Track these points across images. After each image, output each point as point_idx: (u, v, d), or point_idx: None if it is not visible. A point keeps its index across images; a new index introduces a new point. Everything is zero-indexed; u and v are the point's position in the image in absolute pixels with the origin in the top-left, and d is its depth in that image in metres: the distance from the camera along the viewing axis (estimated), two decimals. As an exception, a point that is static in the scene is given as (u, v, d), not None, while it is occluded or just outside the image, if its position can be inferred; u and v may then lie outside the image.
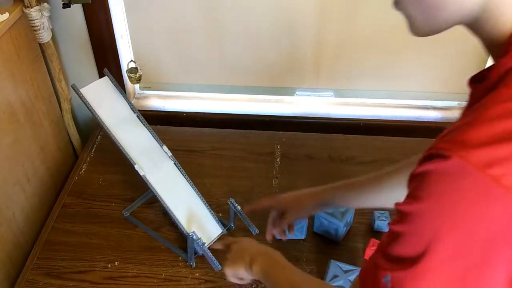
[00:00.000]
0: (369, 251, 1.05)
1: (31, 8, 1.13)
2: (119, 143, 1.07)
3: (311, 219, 1.10)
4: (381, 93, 1.45)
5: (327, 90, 1.47)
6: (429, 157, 0.47)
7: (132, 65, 1.38)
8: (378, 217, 1.10)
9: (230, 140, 1.39)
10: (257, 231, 1.08)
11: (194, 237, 0.99)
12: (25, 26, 1.17)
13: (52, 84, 1.34)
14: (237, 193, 1.19)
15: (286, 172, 1.28)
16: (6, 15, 1.08)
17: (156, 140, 1.13)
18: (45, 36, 1.20)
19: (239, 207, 1.06)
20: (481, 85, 0.53)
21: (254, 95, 1.49)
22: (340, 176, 1.24)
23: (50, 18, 1.20)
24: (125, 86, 1.43)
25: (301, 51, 1.37)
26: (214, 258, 1.00)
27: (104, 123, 1.07)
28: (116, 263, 1.06)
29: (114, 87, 1.13)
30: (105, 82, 1.13)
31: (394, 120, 1.44)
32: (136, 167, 1.05)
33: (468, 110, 0.51)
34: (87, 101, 1.07)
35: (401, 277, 0.48)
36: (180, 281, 1.02)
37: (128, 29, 1.37)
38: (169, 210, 1.06)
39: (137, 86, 1.52)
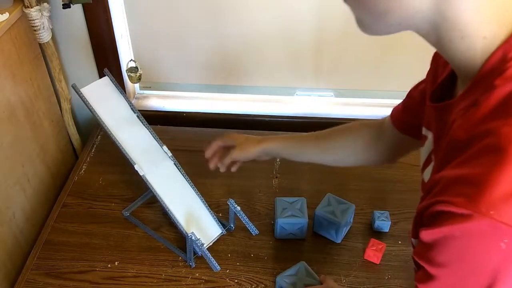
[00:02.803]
0: (369, 251, 1.05)
1: (31, 8, 1.13)
2: (119, 143, 1.07)
3: (311, 219, 1.10)
4: (381, 93, 1.45)
5: (327, 90, 1.47)
6: (442, 215, 0.45)
7: (132, 64, 1.38)
8: (378, 217, 1.10)
9: (230, 140, 1.39)
10: (256, 231, 1.08)
11: (193, 237, 0.98)
12: (25, 26, 1.17)
13: (52, 84, 1.34)
14: (237, 193, 1.19)
15: (286, 172, 1.28)
16: (6, 15, 1.08)
17: (156, 140, 1.13)
18: (45, 36, 1.20)
19: (238, 208, 1.06)
20: (462, 105, 0.50)
21: (254, 95, 1.49)
22: (340, 176, 1.25)
23: (50, 18, 1.20)
24: (125, 86, 1.43)
25: (301, 51, 1.37)
26: (213, 259, 1.00)
27: (104, 123, 1.07)
28: (116, 263, 1.06)
29: (115, 87, 1.13)
30: (106, 82, 1.13)
31: (394, 120, 1.44)
32: (136, 167, 1.05)
33: (456, 147, 0.48)
34: (87, 101, 1.07)
35: None
36: (180, 281, 1.02)
37: (128, 29, 1.37)
38: (169, 210, 1.06)
39: (137, 86, 1.52)
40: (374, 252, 1.05)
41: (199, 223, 1.09)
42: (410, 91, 0.80)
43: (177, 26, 1.35)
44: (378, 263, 1.05)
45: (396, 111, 0.85)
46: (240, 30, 1.33)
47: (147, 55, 1.42)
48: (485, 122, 0.45)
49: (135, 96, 1.53)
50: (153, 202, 1.16)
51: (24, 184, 1.20)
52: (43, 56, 1.28)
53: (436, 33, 0.50)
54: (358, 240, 1.10)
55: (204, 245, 1.02)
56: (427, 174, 0.63)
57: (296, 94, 1.48)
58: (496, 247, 0.42)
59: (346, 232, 1.11)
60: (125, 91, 1.43)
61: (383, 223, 1.10)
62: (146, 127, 1.13)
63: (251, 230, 1.08)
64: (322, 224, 1.08)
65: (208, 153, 1.06)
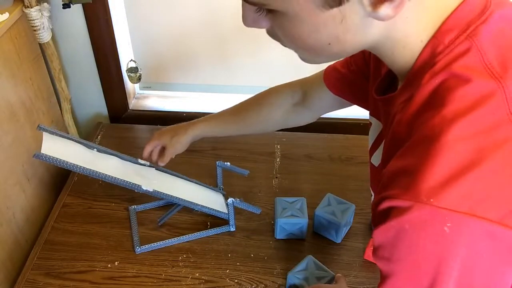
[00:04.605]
0: (369, 251, 1.05)
1: (31, 8, 1.13)
2: (115, 178, 0.99)
3: (311, 219, 1.10)
4: (381, 93, 1.45)
5: (327, 90, 1.46)
6: (389, 210, 0.46)
7: (132, 64, 1.38)
8: (378, 217, 1.10)
9: (230, 140, 1.39)
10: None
11: (233, 201, 1.07)
12: (25, 26, 1.17)
13: (52, 84, 1.34)
14: (237, 193, 1.19)
15: (286, 172, 1.28)
16: (6, 15, 1.08)
17: (129, 159, 1.10)
18: (45, 36, 1.20)
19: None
20: (401, 99, 0.52)
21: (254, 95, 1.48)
22: (340, 176, 1.25)
23: (50, 18, 1.20)
24: (125, 86, 1.43)
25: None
26: (250, 205, 1.10)
27: (83, 168, 0.97)
28: (116, 263, 1.06)
29: (59, 137, 1.03)
30: (48, 137, 1.01)
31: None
32: (143, 187, 1.01)
33: (399, 140, 0.50)
34: (57, 159, 0.95)
35: None
36: (180, 281, 1.02)
37: (128, 29, 1.37)
38: (196, 205, 1.07)
39: (137, 86, 1.52)
40: (374, 252, 1.05)
41: (215, 199, 1.15)
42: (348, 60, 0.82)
43: (177, 26, 1.35)
44: (378, 263, 1.05)
45: (332, 74, 0.87)
46: (240, 30, 1.33)
47: (147, 55, 1.42)
48: (418, 115, 0.48)
49: (135, 96, 1.53)
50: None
51: (24, 184, 1.20)
52: (43, 56, 1.28)
53: (377, 50, 0.52)
54: (358, 240, 1.10)
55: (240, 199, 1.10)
56: (375, 159, 0.67)
57: (296, 94, 1.48)
58: (441, 232, 0.43)
59: (346, 232, 1.11)
60: (125, 91, 1.44)
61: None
62: (110, 153, 1.08)
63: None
64: (322, 224, 1.08)
65: (144, 156, 1.07)
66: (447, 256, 0.44)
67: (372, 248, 1.06)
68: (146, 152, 1.06)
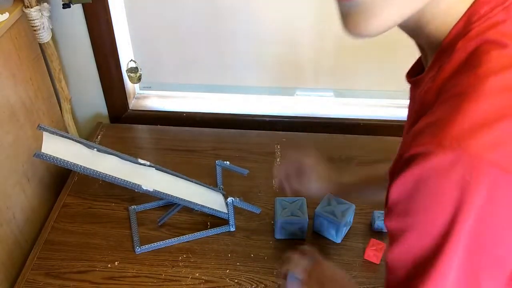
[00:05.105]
0: (369, 251, 1.05)
1: (31, 8, 1.13)
2: (115, 177, 0.99)
3: (311, 219, 1.10)
4: (381, 93, 1.45)
5: (327, 90, 1.47)
6: (410, 159, 0.44)
7: (132, 64, 1.38)
8: (378, 217, 1.10)
9: (230, 140, 1.39)
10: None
11: (232, 200, 1.08)
12: (25, 26, 1.17)
13: (52, 84, 1.34)
14: (237, 193, 1.19)
15: (286, 172, 1.28)
16: (6, 15, 1.08)
17: (129, 159, 1.10)
18: (45, 36, 1.20)
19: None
20: (430, 75, 0.50)
21: (254, 95, 1.49)
22: (340, 176, 1.25)
23: (50, 18, 1.20)
24: (125, 86, 1.43)
25: (301, 51, 1.37)
26: (250, 205, 1.11)
27: (83, 167, 0.97)
28: (116, 263, 1.06)
29: (60, 136, 1.04)
30: (49, 136, 1.01)
31: (394, 120, 1.44)
32: (143, 187, 1.01)
33: (425, 104, 0.49)
34: (57, 158, 0.95)
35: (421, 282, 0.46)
36: (180, 281, 1.02)
37: (128, 29, 1.37)
38: (196, 204, 1.07)
39: (137, 86, 1.52)
40: (374, 252, 1.05)
41: (215, 199, 1.15)
42: None
43: (177, 26, 1.35)
44: (378, 263, 1.05)
45: None
46: (240, 30, 1.33)
47: (147, 55, 1.42)
48: (450, 79, 0.46)
49: (135, 96, 1.53)
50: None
51: (24, 184, 1.20)
52: (43, 56, 1.28)
53: (416, 21, 0.50)
54: (358, 240, 1.10)
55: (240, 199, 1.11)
56: None
57: (296, 94, 1.48)
58: (462, 179, 0.41)
59: (346, 232, 1.11)
60: (125, 91, 1.44)
61: (383, 223, 1.10)
62: (110, 153, 1.08)
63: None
64: (322, 224, 1.08)
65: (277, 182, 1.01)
66: (463, 205, 0.42)
67: (372, 248, 1.06)
68: (282, 169, 0.97)
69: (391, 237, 0.49)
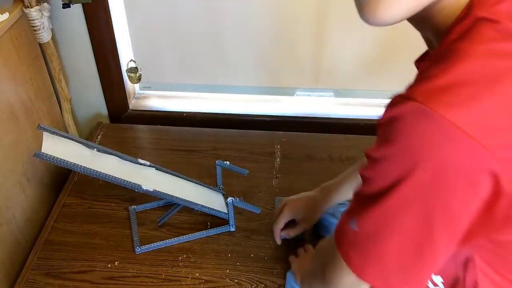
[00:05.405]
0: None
1: (31, 8, 1.13)
2: (114, 177, 1.00)
3: (311, 219, 1.10)
4: (381, 93, 1.45)
5: (327, 90, 1.47)
6: (392, 104, 0.48)
7: (132, 64, 1.38)
8: (378, 217, 1.10)
9: (230, 140, 1.39)
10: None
11: (232, 200, 1.08)
12: (25, 26, 1.17)
13: (52, 84, 1.34)
14: (236, 193, 1.19)
15: (286, 172, 1.28)
16: (6, 15, 1.08)
17: (129, 159, 1.10)
18: (45, 36, 1.20)
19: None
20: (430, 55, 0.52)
21: (254, 95, 1.49)
22: (340, 176, 1.25)
23: (50, 18, 1.20)
24: (125, 86, 1.43)
25: (301, 51, 1.37)
26: (250, 205, 1.10)
27: (83, 167, 0.97)
28: (116, 263, 1.06)
29: (60, 136, 1.04)
30: (49, 136, 1.02)
31: (394, 120, 1.44)
32: (143, 187, 1.01)
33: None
34: (56, 158, 0.95)
35: (367, 216, 0.50)
36: (180, 281, 1.03)
37: (128, 29, 1.38)
38: (196, 205, 1.07)
39: (137, 86, 1.52)
40: (374, 252, 1.05)
41: (215, 198, 1.15)
42: None
43: (177, 26, 1.35)
44: (378, 263, 1.05)
45: None
46: (240, 30, 1.33)
47: (147, 55, 1.42)
48: (448, 47, 0.48)
49: (135, 96, 1.53)
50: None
51: (24, 184, 1.20)
52: (43, 56, 1.28)
53: (427, 11, 0.51)
54: (358, 240, 1.10)
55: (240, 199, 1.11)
56: None
57: (296, 94, 1.48)
58: (423, 133, 0.44)
59: (346, 232, 1.11)
60: (125, 91, 1.44)
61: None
62: (110, 153, 1.08)
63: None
64: (322, 224, 1.08)
65: (278, 231, 1.07)
66: (422, 154, 0.45)
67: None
68: (279, 227, 1.06)
69: (364, 175, 0.53)
